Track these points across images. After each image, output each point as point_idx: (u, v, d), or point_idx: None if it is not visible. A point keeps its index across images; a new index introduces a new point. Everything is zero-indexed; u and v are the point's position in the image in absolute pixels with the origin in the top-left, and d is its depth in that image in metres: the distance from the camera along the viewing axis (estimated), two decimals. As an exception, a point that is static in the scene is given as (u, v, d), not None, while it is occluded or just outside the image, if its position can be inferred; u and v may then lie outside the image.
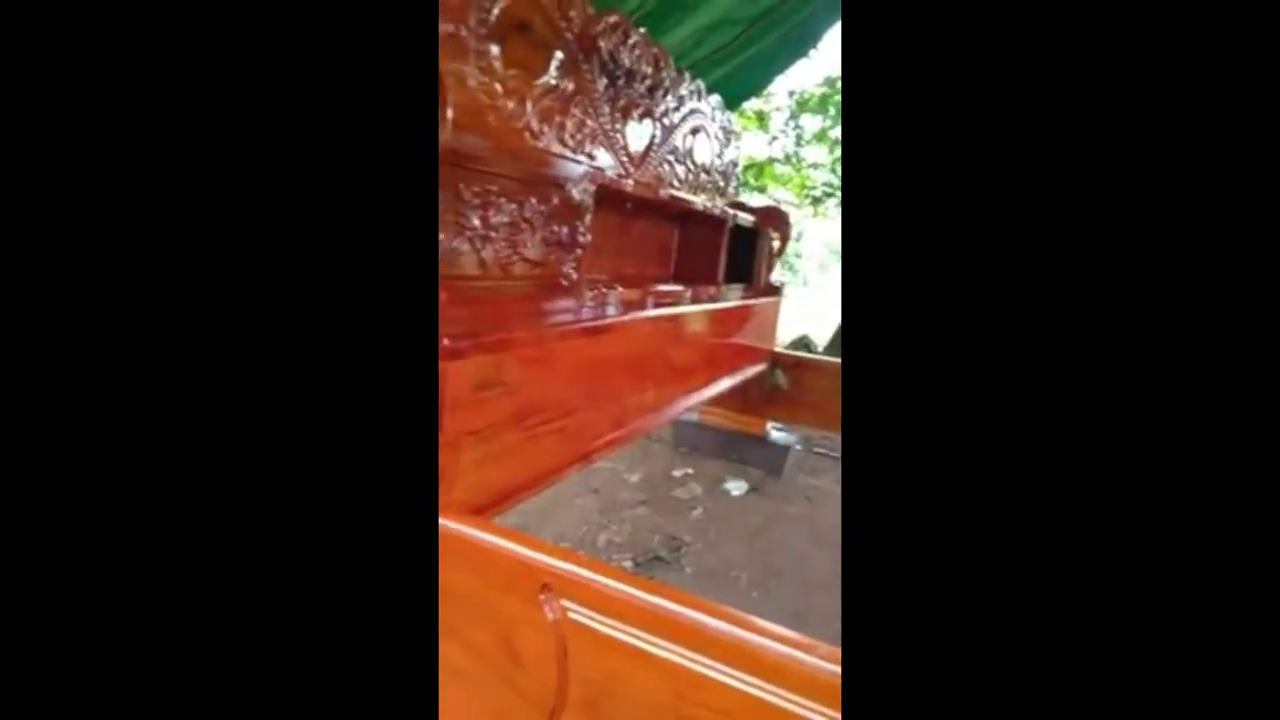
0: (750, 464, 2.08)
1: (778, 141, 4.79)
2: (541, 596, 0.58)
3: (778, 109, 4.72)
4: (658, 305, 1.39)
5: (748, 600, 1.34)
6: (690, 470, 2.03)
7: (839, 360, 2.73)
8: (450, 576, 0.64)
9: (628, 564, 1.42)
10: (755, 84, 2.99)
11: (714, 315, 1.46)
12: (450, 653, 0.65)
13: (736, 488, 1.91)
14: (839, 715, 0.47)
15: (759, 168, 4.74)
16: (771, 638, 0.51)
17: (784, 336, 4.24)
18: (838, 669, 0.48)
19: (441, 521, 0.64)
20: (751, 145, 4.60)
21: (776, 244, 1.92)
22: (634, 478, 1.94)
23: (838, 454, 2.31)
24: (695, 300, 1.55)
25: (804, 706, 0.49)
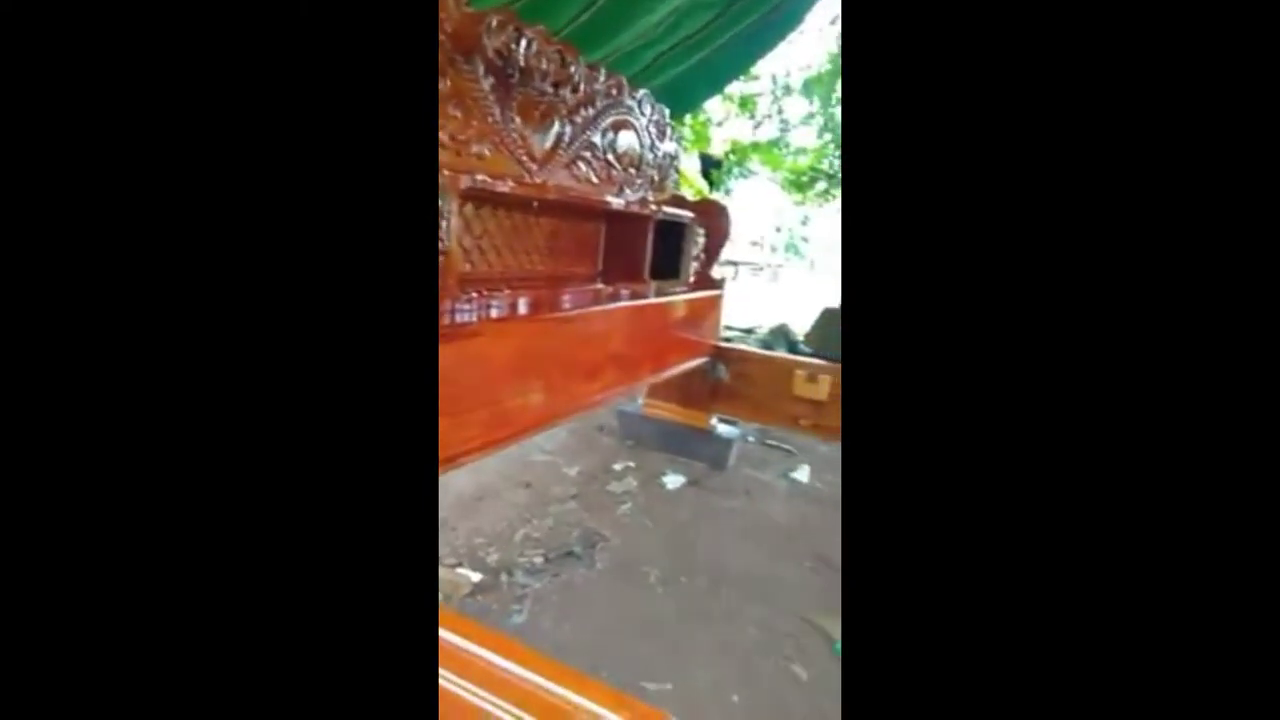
0: (695, 458, 2.08)
1: (763, 128, 4.74)
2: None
3: (759, 95, 4.65)
4: (577, 305, 1.40)
5: (653, 596, 1.36)
6: (632, 464, 2.04)
7: (784, 355, 2.70)
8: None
9: (539, 560, 1.45)
10: (736, 68, 2.92)
11: (622, 313, 1.46)
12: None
13: (673, 481, 1.92)
14: None
15: (742, 151, 4.70)
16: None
17: (767, 321, 4.21)
18: None
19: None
20: (738, 130, 4.58)
21: (703, 240, 1.90)
22: (572, 471, 1.96)
23: (789, 447, 2.30)
24: (612, 299, 1.54)
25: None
